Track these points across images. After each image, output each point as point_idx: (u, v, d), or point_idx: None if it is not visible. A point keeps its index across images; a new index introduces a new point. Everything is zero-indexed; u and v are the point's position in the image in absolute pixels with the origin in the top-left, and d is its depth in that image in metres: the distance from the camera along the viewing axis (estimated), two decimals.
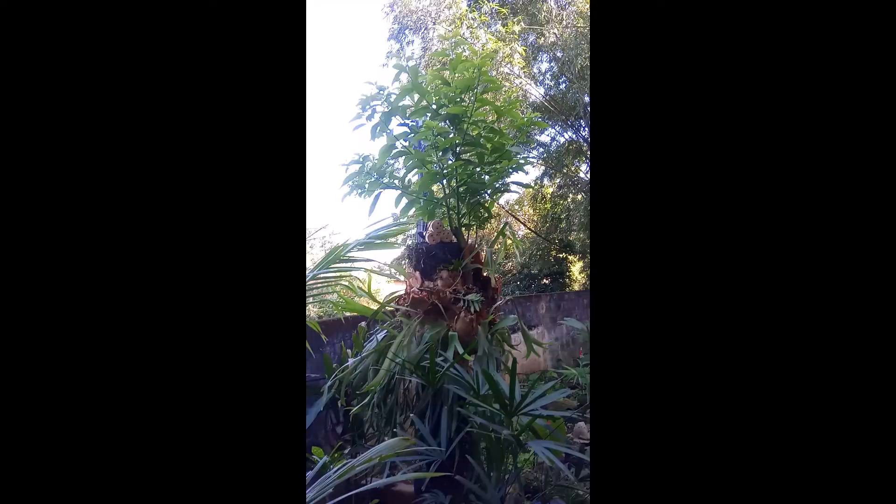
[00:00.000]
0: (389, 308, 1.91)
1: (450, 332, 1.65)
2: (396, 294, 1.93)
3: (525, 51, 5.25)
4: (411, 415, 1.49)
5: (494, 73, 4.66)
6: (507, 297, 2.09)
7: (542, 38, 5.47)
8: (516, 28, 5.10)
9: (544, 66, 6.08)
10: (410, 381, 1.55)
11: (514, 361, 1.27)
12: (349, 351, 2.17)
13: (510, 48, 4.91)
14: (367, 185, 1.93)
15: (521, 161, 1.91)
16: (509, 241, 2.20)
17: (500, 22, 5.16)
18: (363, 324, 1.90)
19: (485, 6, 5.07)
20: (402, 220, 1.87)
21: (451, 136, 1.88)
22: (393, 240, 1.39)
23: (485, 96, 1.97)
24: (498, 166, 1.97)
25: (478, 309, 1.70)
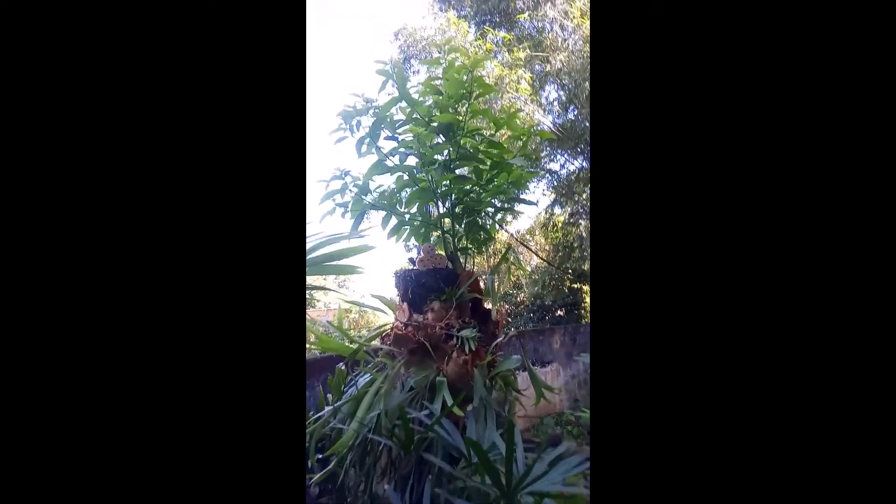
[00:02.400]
0: (377, 345, 1.64)
1: (438, 378, 1.35)
2: (382, 329, 1.66)
3: (531, 78, 5.17)
4: (386, 487, 1.18)
5: (501, 101, 4.56)
6: (514, 331, 1.78)
7: (549, 66, 5.40)
8: (522, 55, 5.04)
9: (552, 94, 6.00)
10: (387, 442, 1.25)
11: (512, 426, 0.96)
12: (329, 397, 1.87)
13: (517, 75, 4.83)
14: (350, 204, 1.70)
15: (521, 171, 1.66)
16: (514, 268, 1.92)
17: (506, 50, 5.12)
18: (342, 365, 1.62)
19: (490, 34, 5.05)
20: (360, 232, 1.62)
21: (442, 147, 1.66)
22: (352, 262, 1.15)
23: (482, 106, 1.77)
24: (497, 181, 1.73)
25: (473, 347, 1.41)
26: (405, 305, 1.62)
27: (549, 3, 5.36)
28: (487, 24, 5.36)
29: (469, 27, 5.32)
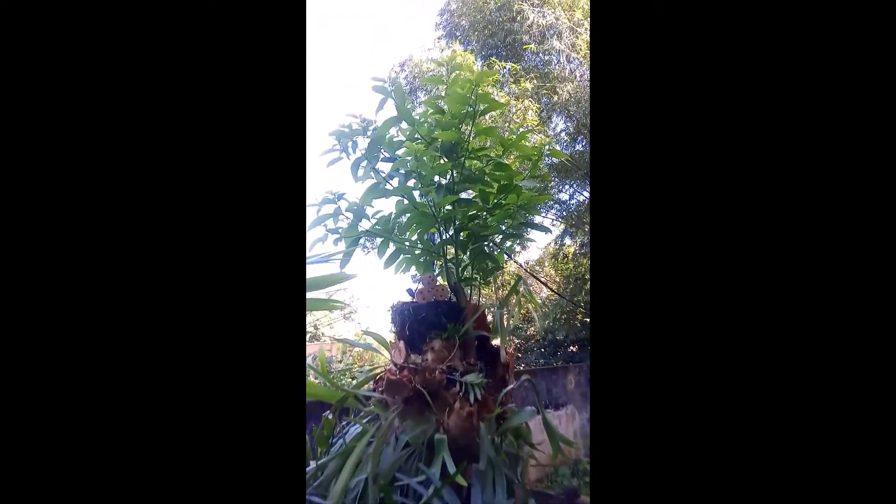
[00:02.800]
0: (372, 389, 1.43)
1: (438, 434, 1.14)
2: (374, 372, 1.46)
3: (539, 109, 5.15)
4: None
5: (507, 130, 4.51)
6: (527, 372, 1.53)
7: (556, 97, 5.39)
8: (528, 86, 5.04)
9: (559, 126, 5.98)
10: None
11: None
12: (316, 450, 1.64)
13: (523, 105, 4.81)
14: (342, 230, 1.55)
15: (531, 193, 1.51)
16: (525, 300, 1.73)
17: (512, 81, 5.14)
18: (328, 414, 1.41)
19: (496, 65, 5.08)
20: (334, 254, 1.45)
21: (444, 167, 1.52)
22: (328, 294, 0.98)
23: (487, 126, 1.64)
24: (505, 203, 1.57)
25: (479, 396, 1.20)
26: (401, 344, 1.42)
27: (555, 37, 5.42)
28: (494, 56, 5.41)
29: (476, 60, 5.37)
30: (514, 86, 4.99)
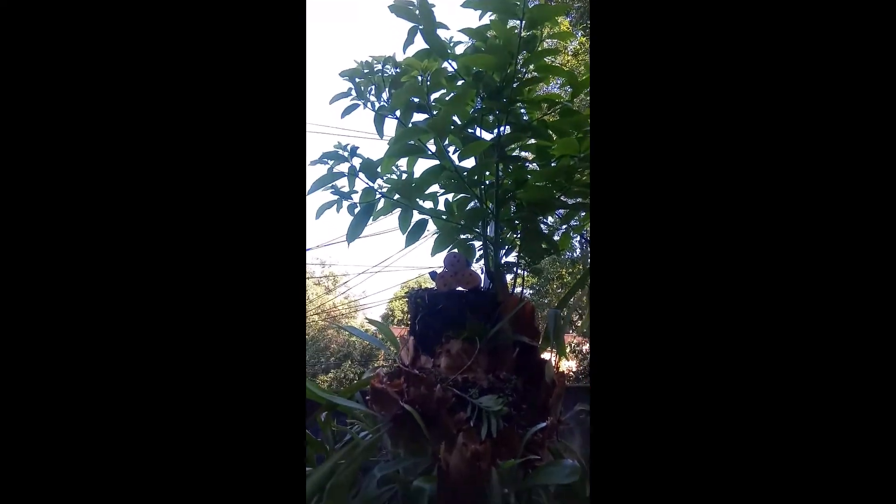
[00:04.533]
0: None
1: (418, 481, 0.78)
2: (377, 370, 1.15)
3: None
4: None
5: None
6: (580, 406, 1.06)
7: None
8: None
9: None
10: None
11: None
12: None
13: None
14: (355, 196, 1.26)
15: None
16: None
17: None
18: (321, 414, 1.14)
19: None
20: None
21: (487, 109, 1.13)
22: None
23: (547, 60, 1.20)
24: (572, 164, 1.13)
25: (495, 431, 0.80)
26: (411, 341, 1.09)
27: None
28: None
29: (570, 26, 4.71)
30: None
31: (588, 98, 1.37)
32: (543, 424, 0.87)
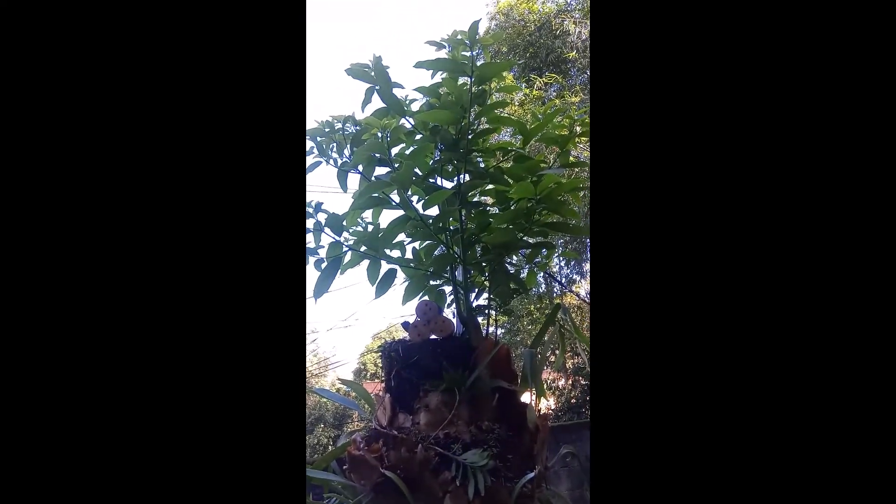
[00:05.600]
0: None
1: None
2: (353, 436, 1.08)
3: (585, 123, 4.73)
4: None
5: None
6: (570, 428, 1.02)
7: None
8: (575, 99, 4.65)
9: None
10: None
11: None
12: None
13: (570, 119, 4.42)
14: (322, 250, 1.24)
15: (555, 177, 1.10)
16: (568, 334, 1.27)
17: (555, 95, 4.79)
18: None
19: (537, 82, 4.78)
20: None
21: (445, 159, 1.17)
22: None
23: (498, 112, 1.28)
24: (530, 206, 1.18)
25: (483, 489, 0.76)
26: (387, 399, 1.04)
27: None
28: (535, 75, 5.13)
29: (515, 80, 5.11)
30: (556, 101, 4.63)
31: (538, 144, 1.45)
32: (532, 475, 0.84)
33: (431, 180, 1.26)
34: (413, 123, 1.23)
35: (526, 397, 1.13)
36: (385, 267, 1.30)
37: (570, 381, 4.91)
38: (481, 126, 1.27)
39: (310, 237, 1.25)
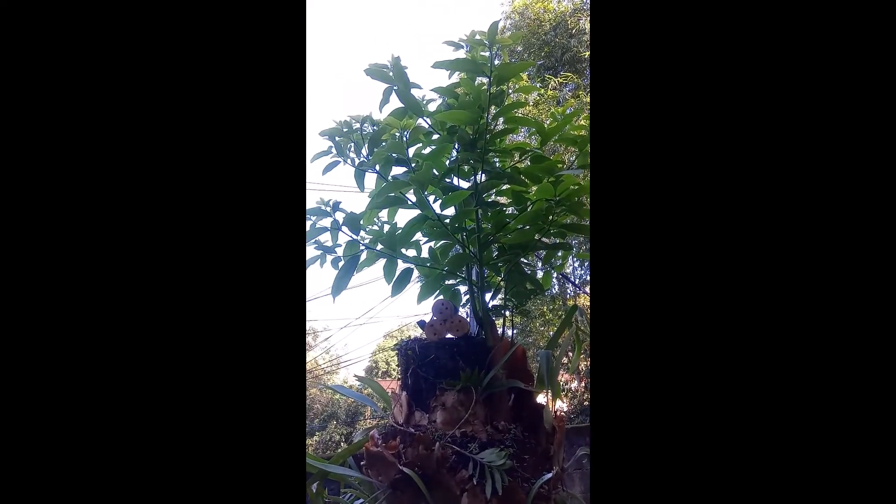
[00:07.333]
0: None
1: None
2: (371, 432, 1.09)
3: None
4: None
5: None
6: (584, 447, 1.04)
7: None
8: (588, 99, 4.61)
9: None
10: None
11: None
12: None
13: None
14: (340, 249, 1.26)
15: (573, 179, 1.09)
16: (584, 335, 1.26)
17: (571, 94, 4.75)
18: (312, 484, 1.06)
19: (552, 82, 4.74)
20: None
21: (462, 159, 1.18)
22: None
23: (516, 113, 1.28)
24: (548, 207, 1.17)
25: (500, 488, 0.76)
26: (404, 397, 1.05)
27: None
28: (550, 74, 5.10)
29: (528, 79, 5.09)
30: (573, 101, 4.60)
31: (555, 144, 1.45)
32: (549, 476, 0.84)
33: (448, 180, 1.26)
34: (430, 124, 1.24)
35: (540, 398, 1.13)
36: (401, 266, 1.31)
37: (583, 384, 4.87)
38: (498, 126, 1.27)
39: (327, 236, 1.27)
